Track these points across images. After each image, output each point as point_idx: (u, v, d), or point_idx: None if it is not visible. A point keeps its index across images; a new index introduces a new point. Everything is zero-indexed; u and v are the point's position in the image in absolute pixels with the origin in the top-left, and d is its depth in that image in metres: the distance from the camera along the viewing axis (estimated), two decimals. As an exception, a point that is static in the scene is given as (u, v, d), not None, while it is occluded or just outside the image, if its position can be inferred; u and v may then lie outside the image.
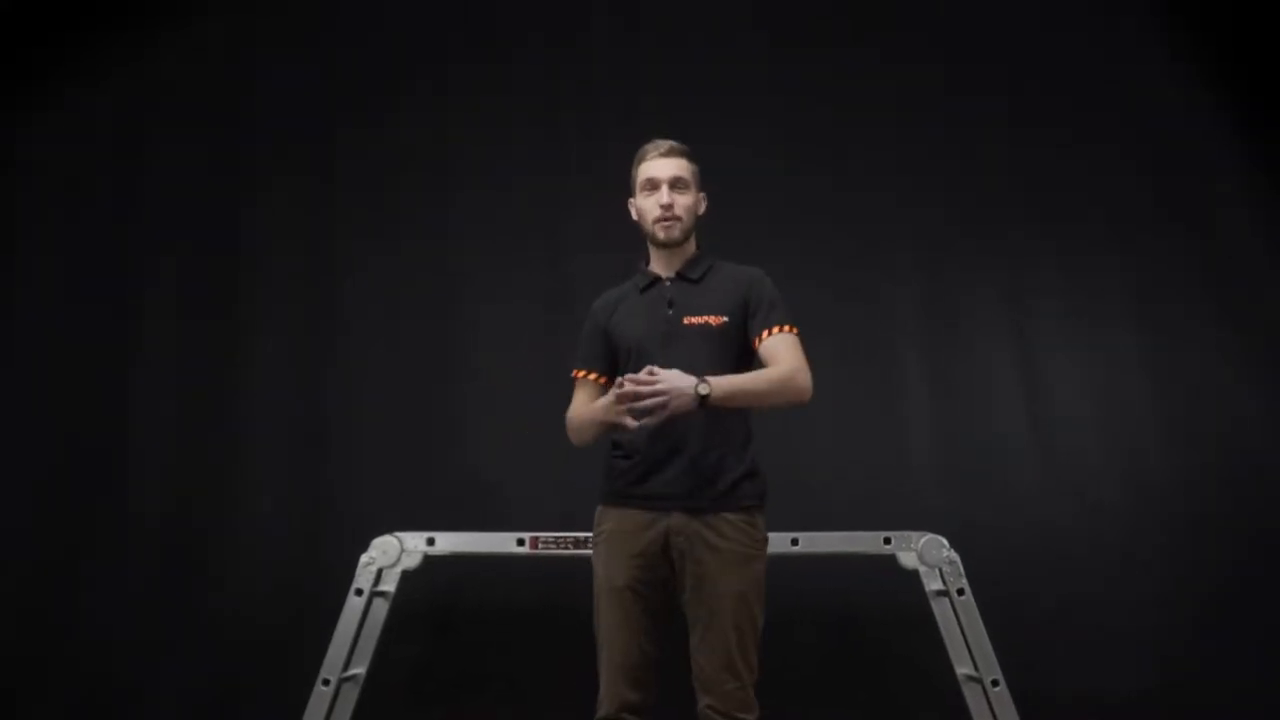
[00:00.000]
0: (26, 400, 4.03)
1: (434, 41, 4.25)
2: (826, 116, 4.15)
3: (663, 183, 2.54)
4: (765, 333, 2.50)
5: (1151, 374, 4.01)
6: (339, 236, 4.15)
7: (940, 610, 3.20)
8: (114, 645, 3.85)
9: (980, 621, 3.16)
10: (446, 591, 3.80)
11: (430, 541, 3.29)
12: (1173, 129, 4.12)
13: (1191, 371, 4.00)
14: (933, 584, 3.20)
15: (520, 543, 3.26)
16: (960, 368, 4.05)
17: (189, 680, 3.83)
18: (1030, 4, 4.21)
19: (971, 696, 3.15)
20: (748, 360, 2.55)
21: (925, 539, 3.21)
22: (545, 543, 3.24)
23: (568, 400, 2.64)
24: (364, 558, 3.27)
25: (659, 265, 2.61)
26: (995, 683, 3.12)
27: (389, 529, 3.31)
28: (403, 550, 3.28)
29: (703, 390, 2.31)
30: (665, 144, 2.58)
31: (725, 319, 2.51)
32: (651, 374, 2.29)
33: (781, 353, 2.46)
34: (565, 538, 3.21)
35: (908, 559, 3.21)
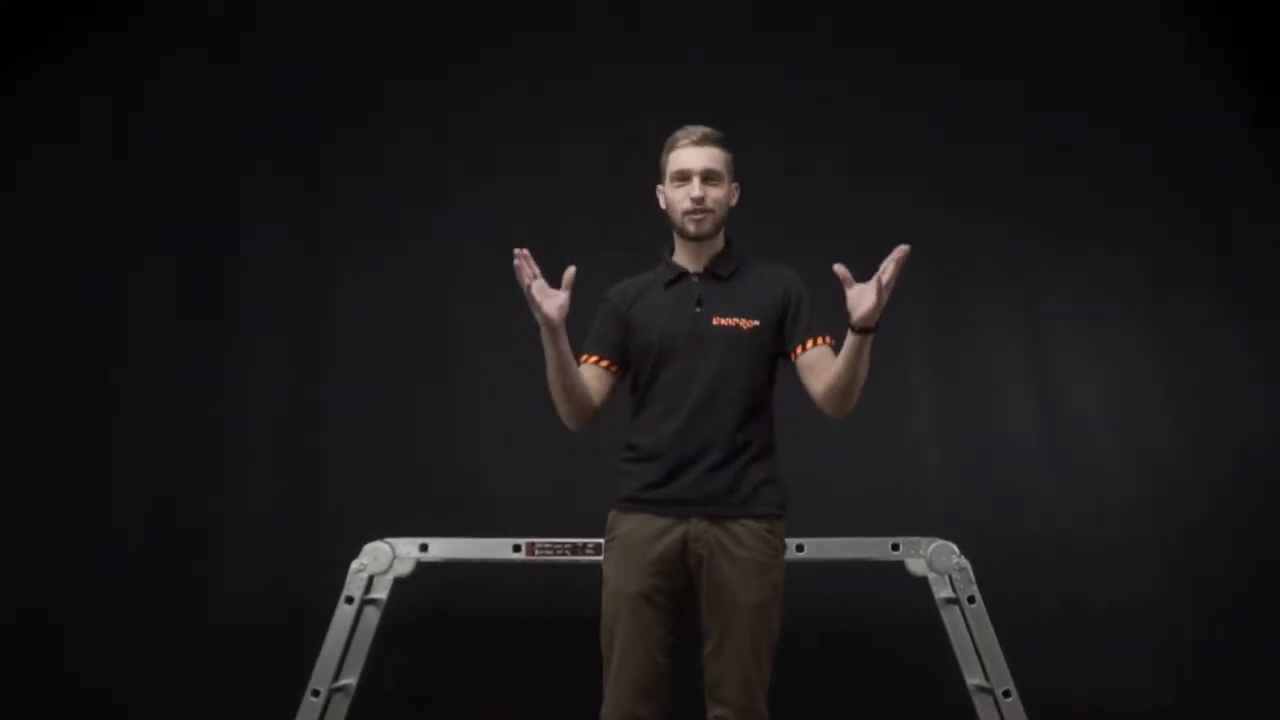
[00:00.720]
0: (13, 401, 4.02)
1: (430, 39, 4.25)
2: (833, 113, 4.16)
3: (694, 174, 2.48)
4: (810, 343, 2.48)
5: (1168, 374, 4.01)
6: (331, 235, 4.16)
7: (950, 618, 3.19)
8: (98, 653, 3.85)
9: (992, 630, 3.15)
10: (440, 600, 3.79)
11: (423, 548, 3.29)
12: (1190, 125, 4.12)
13: (1209, 371, 4.00)
14: (942, 591, 3.19)
15: (516, 549, 3.26)
16: (970, 367, 4.05)
17: (174, 690, 3.83)
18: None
19: (982, 708, 3.15)
20: (775, 367, 2.52)
21: (934, 545, 3.20)
22: (542, 549, 3.23)
23: (566, 402, 2.62)
24: (355, 564, 3.26)
25: (686, 258, 2.55)
26: (1007, 694, 3.12)
27: (380, 534, 3.30)
28: (395, 557, 3.27)
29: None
30: (698, 130, 2.51)
31: (756, 323, 2.46)
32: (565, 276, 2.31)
33: (826, 363, 2.45)
34: (563, 544, 3.20)
35: (916, 565, 3.21)
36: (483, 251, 4.10)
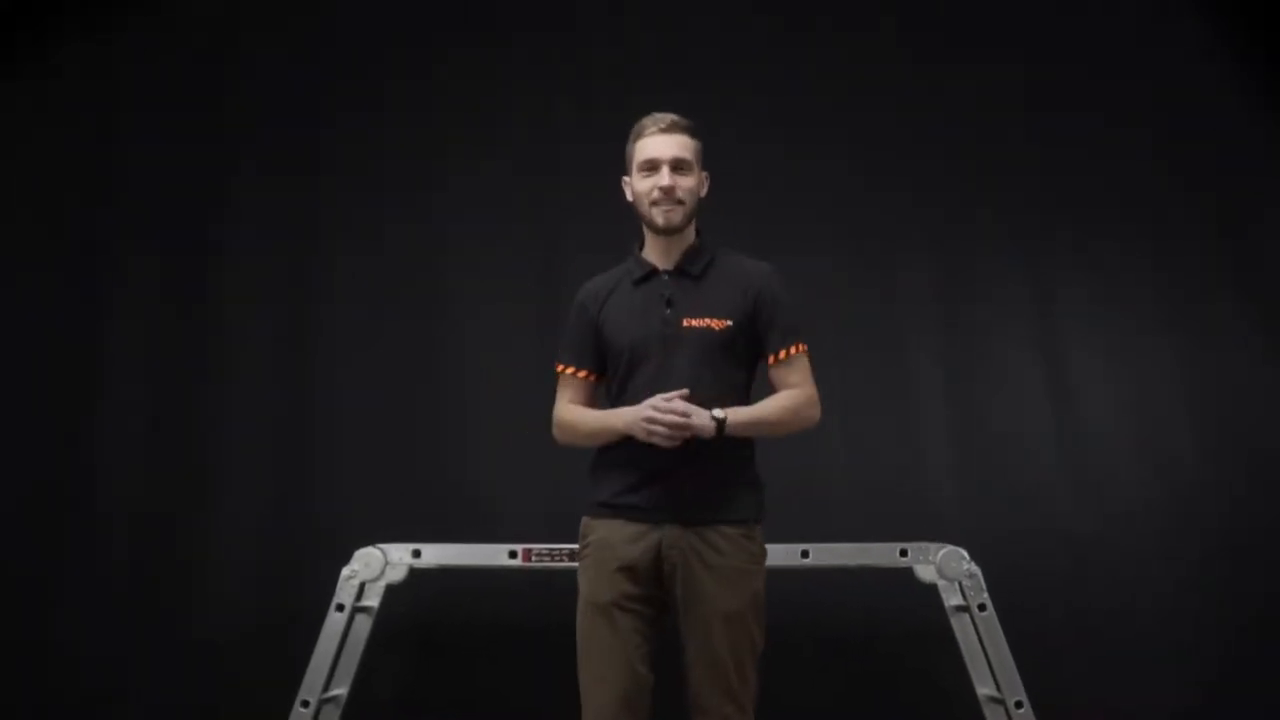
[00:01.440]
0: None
1: (426, 35, 4.23)
2: (838, 106, 4.14)
3: (663, 163, 2.46)
4: (783, 353, 2.48)
5: (1184, 376, 4.00)
6: (324, 235, 4.14)
7: (960, 627, 3.19)
8: (81, 662, 3.83)
9: (1003, 639, 3.15)
10: (433, 607, 3.77)
11: (416, 553, 3.29)
12: (1207, 119, 4.11)
13: (1226, 374, 3.99)
14: (952, 599, 3.19)
15: (512, 555, 3.26)
16: (981, 369, 4.04)
17: (159, 701, 3.81)
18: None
19: (994, 719, 3.13)
20: (752, 365, 2.52)
21: (944, 551, 3.20)
22: (539, 555, 3.24)
23: (562, 404, 2.62)
24: (345, 571, 3.26)
25: (656, 254, 2.54)
26: (1019, 704, 3.12)
27: (372, 540, 3.30)
28: (387, 563, 3.27)
29: (719, 415, 2.35)
30: (666, 118, 2.50)
31: (729, 323, 2.46)
32: (683, 399, 2.34)
33: (795, 379, 2.48)
34: (560, 550, 3.20)
35: (925, 572, 3.21)
36: (479, 252, 4.10)
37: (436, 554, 3.29)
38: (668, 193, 2.46)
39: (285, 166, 4.15)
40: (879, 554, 3.24)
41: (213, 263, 4.11)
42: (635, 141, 2.53)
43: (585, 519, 2.50)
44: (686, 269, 2.51)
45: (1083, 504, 3.90)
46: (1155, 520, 3.88)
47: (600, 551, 2.43)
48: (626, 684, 2.36)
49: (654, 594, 2.41)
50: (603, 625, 2.38)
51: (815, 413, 2.50)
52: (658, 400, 2.33)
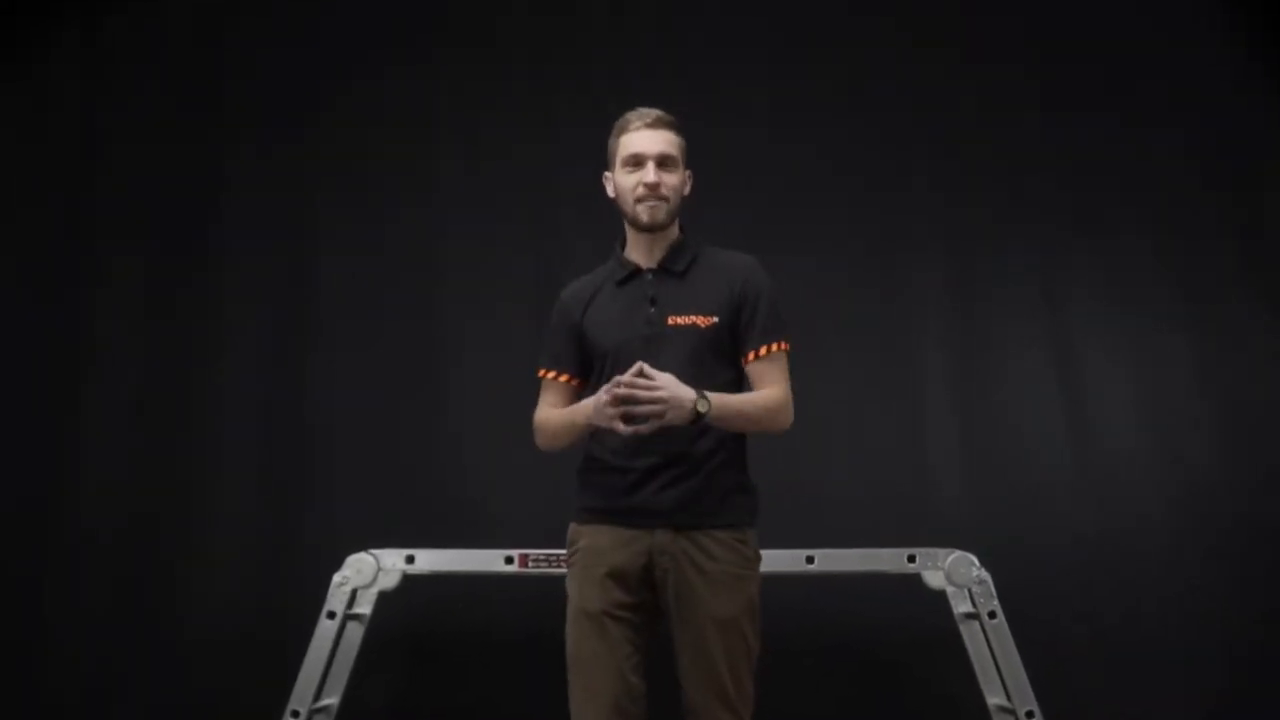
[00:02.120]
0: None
1: (419, 30, 4.23)
2: (844, 109, 4.13)
3: (649, 159, 2.45)
4: (762, 349, 2.46)
5: (1200, 376, 3.99)
6: (315, 234, 4.14)
7: (969, 634, 3.19)
8: (65, 670, 3.83)
9: (1014, 647, 3.15)
10: (427, 615, 3.76)
11: (409, 559, 3.29)
12: (1223, 118, 4.10)
13: (1243, 374, 3.98)
14: (961, 606, 3.19)
15: (509, 560, 3.26)
16: (990, 369, 4.03)
17: (145, 711, 3.80)
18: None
19: (1004, 730, 3.14)
20: (739, 363, 2.50)
21: (953, 556, 3.20)
22: (536, 560, 3.24)
23: (559, 406, 2.61)
24: (337, 577, 3.26)
25: (638, 252, 2.53)
26: (1030, 714, 3.12)
27: (364, 545, 3.30)
28: (379, 569, 3.27)
29: (701, 408, 2.30)
30: (651, 113, 2.49)
31: (714, 319, 2.44)
32: (645, 375, 2.26)
33: (770, 378, 2.46)
34: (558, 555, 3.19)
35: (934, 578, 3.21)
36: (473, 251, 4.10)
37: (431, 560, 3.29)
38: (653, 189, 2.46)
39: (278, 166, 4.15)
40: (886, 559, 3.24)
41: (204, 263, 4.11)
42: (619, 136, 2.52)
43: (573, 525, 2.50)
44: (670, 266, 2.51)
45: (1095, 507, 3.89)
46: (1169, 523, 3.88)
47: (589, 558, 2.43)
48: (618, 694, 2.36)
49: (645, 601, 2.41)
50: (593, 634, 2.38)
51: (789, 417, 2.48)
52: (620, 379, 2.27)
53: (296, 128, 4.16)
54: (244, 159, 4.16)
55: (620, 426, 2.26)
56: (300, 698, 3.18)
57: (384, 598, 3.27)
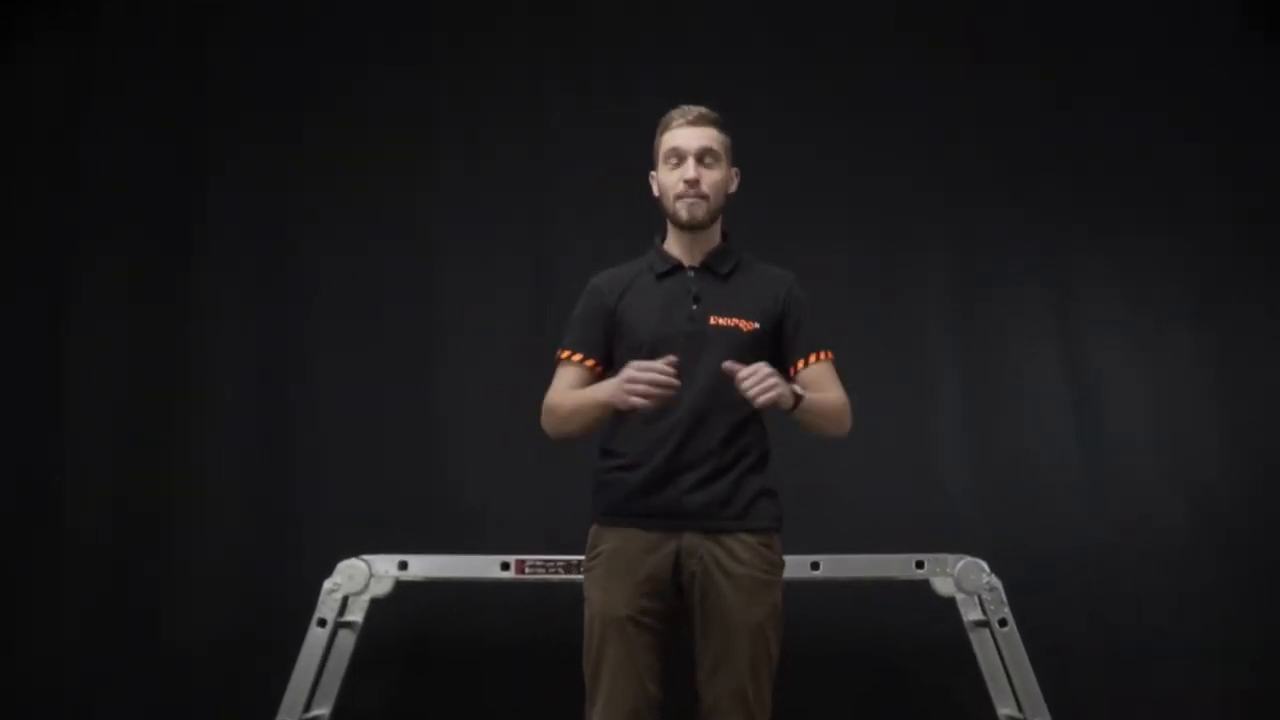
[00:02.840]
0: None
1: (415, 23, 4.23)
2: (851, 107, 4.13)
3: (689, 155, 2.48)
4: (812, 357, 2.50)
5: (1214, 380, 4.00)
6: (305, 232, 4.14)
7: (980, 643, 3.20)
8: (48, 679, 3.82)
9: (1025, 655, 3.15)
10: (420, 622, 3.77)
11: (402, 565, 3.29)
12: (1234, 113, 4.11)
13: (1259, 377, 3.99)
14: (971, 613, 3.20)
15: (504, 566, 3.26)
16: (1000, 372, 4.04)
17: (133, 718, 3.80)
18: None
19: (1015, 740, 3.13)
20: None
21: (963, 563, 3.20)
22: (533, 566, 3.23)
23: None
24: (328, 584, 3.26)
25: (679, 249, 2.54)
26: (1041, 725, 3.10)
27: (356, 551, 3.29)
28: (371, 575, 3.27)
29: (799, 391, 2.34)
30: (694, 110, 2.51)
31: (756, 325, 2.47)
32: (673, 367, 2.26)
33: (829, 382, 2.50)
34: (555, 561, 3.20)
35: (943, 585, 3.21)
36: (468, 251, 4.09)
37: (424, 566, 3.29)
38: (692, 185, 2.47)
39: (274, 164, 4.15)
40: (894, 566, 3.24)
41: (196, 263, 4.10)
42: (662, 134, 2.55)
43: (594, 528, 2.49)
44: (713, 267, 2.54)
45: (1107, 514, 3.90)
46: (1185, 531, 3.89)
47: (614, 562, 2.42)
48: (638, 702, 2.37)
49: (672, 607, 2.41)
50: (615, 641, 2.38)
51: (850, 423, 2.54)
52: (640, 362, 2.28)
53: (294, 126, 4.16)
54: (240, 157, 4.15)
55: (635, 401, 2.25)
56: (290, 708, 3.17)
57: (376, 605, 3.26)
